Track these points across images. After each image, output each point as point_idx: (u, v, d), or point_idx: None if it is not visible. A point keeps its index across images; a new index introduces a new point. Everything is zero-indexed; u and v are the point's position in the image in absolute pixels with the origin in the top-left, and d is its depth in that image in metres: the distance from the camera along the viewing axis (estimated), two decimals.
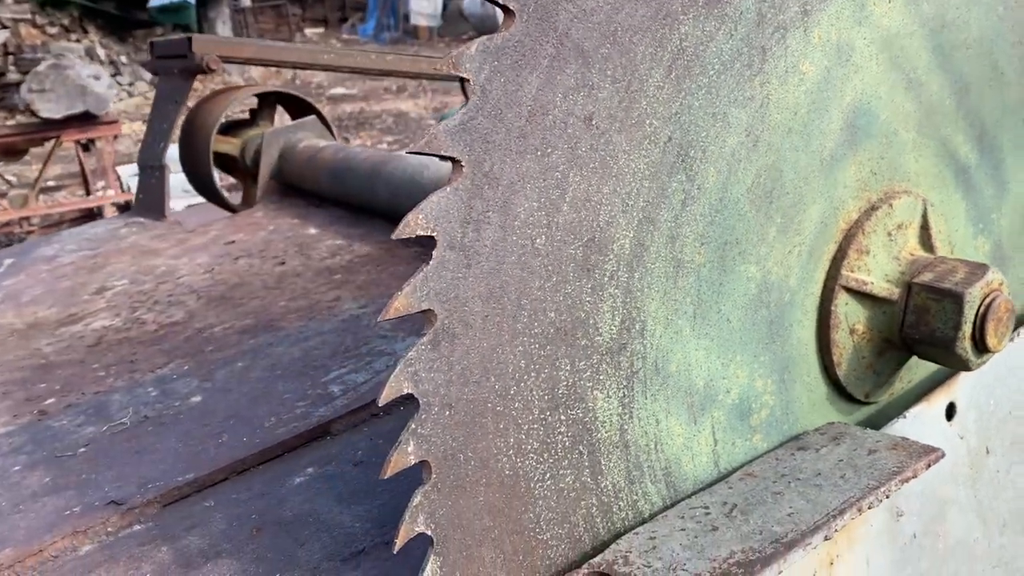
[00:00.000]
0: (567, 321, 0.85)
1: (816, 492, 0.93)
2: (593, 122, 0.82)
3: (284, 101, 2.89)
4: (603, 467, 0.91)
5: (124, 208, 8.68)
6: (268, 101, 2.88)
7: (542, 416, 0.85)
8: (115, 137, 8.82)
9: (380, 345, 1.49)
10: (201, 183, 2.75)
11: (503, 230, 0.79)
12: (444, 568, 0.81)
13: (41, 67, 8.14)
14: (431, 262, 0.76)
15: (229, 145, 2.78)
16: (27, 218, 8.42)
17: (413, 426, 0.78)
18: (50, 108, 7.86)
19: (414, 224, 0.74)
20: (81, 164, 8.52)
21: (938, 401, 1.14)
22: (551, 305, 0.84)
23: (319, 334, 1.58)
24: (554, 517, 0.88)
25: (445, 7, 19.63)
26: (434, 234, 0.75)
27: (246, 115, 2.92)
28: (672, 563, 0.86)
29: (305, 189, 2.46)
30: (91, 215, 8.58)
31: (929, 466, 0.95)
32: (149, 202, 2.67)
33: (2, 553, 1.06)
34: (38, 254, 2.44)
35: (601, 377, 0.89)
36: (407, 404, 1.29)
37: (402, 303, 0.75)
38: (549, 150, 0.80)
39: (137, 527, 1.10)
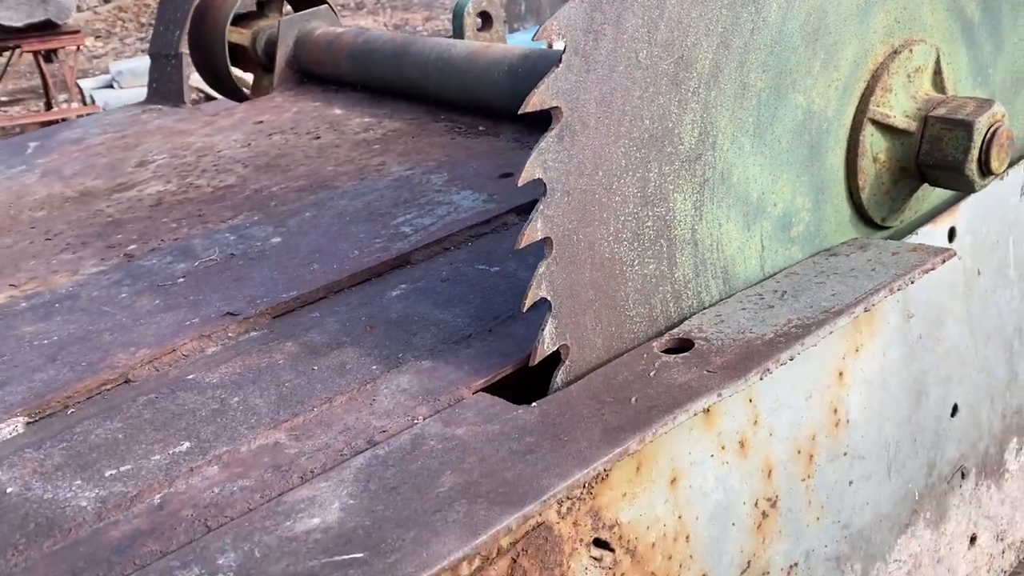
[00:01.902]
0: (659, 129, 1.01)
1: (853, 280, 1.11)
2: None
3: None
4: (677, 260, 1.09)
5: None
6: None
7: (635, 211, 1.02)
8: (77, 48, 8.62)
9: (437, 197, 1.64)
10: (215, 73, 2.82)
11: (615, 42, 0.94)
12: (557, 328, 0.99)
13: None
14: (560, 64, 0.91)
15: (240, 35, 2.84)
16: None
17: (541, 207, 0.94)
18: (9, 16, 7.65)
19: (551, 29, 0.89)
20: (43, 76, 8.34)
21: (943, 224, 1.33)
22: (647, 113, 0.99)
23: (375, 190, 1.72)
24: (639, 297, 1.06)
25: None
26: (564, 39, 0.90)
27: (252, 7, 2.97)
28: (740, 329, 1.04)
29: (323, 74, 2.55)
30: None
31: (944, 261, 1.14)
32: (164, 90, 2.74)
33: (139, 353, 1.21)
34: (63, 137, 2.51)
35: (680, 181, 1.06)
36: (477, 240, 1.45)
37: (538, 99, 0.90)
38: None
39: (254, 333, 1.25)
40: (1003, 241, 1.46)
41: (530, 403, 0.96)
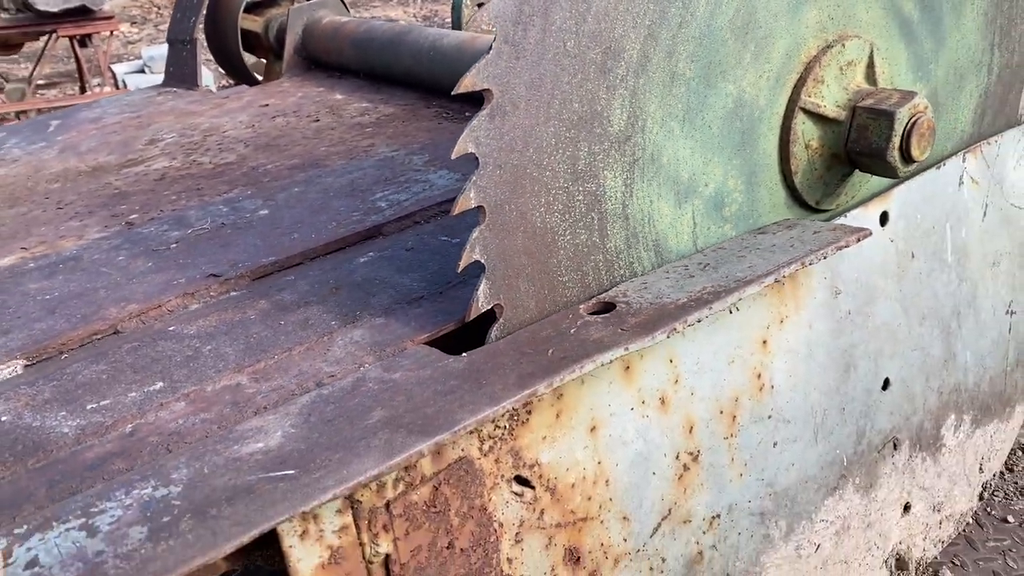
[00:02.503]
0: (587, 112, 1.12)
1: (770, 254, 1.22)
2: None
3: None
4: (608, 232, 1.19)
5: None
6: None
7: (565, 185, 1.13)
8: (111, 33, 8.84)
9: (416, 176, 1.76)
10: (228, 59, 2.96)
11: (543, 32, 1.05)
12: (491, 289, 1.10)
13: None
14: (490, 52, 1.02)
15: (253, 23, 2.98)
16: (25, 112, 8.50)
17: (474, 179, 1.05)
18: (47, 1, 7.87)
19: (480, 21, 1.00)
20: (78, 60, 8.57)
21: (874, 208, 1.43)
22: (576, 97, 1.10)
23: (361, 169, 1.84)
24: (571, 265, 1.17)
25: None
26: (493, 29, 1.01)
27: None
28: (659, 295, 1.15)
29: (328, 62, 2.68)
30: None
31: (860, 240, 1.24)
32: (180, 74, 2.88)
33: (128, 307, 1.34)
34: (82, 116, 2.66)
35: (610, 160, 1.16)
36: (446, 216, 1.56)
37: (469, 81, 1.01)
38: None
39: (234, 293, 1.38)
40: (940, 227, 1.54)
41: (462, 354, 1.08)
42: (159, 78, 9.22)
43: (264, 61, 3.12)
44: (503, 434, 1.04)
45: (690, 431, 1.23)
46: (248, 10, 2.98)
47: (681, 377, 1.20)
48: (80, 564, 0.80)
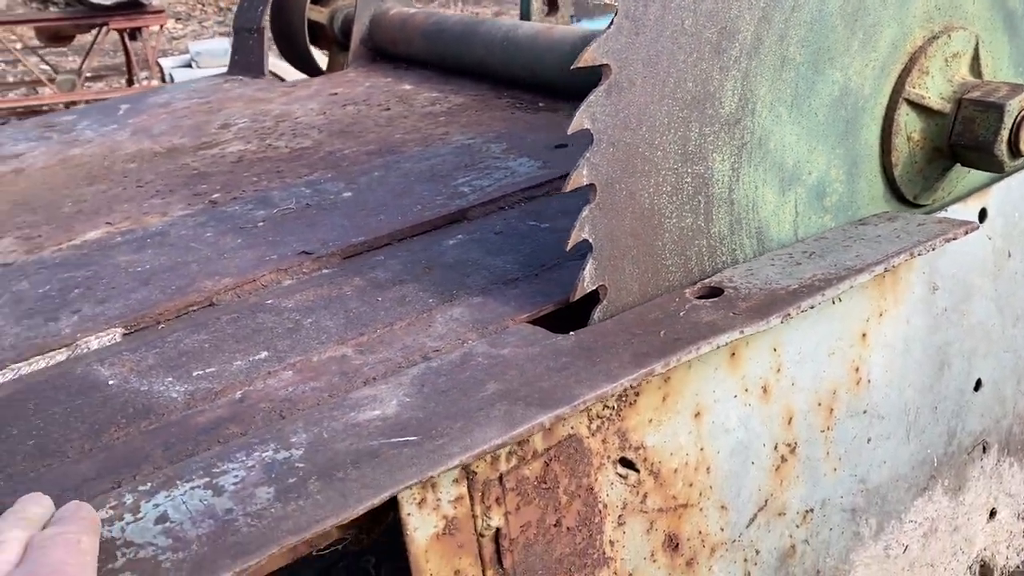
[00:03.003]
0: (700, 92, 1.11)
1: (877, 244, 1.20)
2: None
3: None
4: (714, 217, 1.18)
5: None
6: None
7: (675, 166, 1.12)
8: (160, 28, 8.97)
9: (496, 163, 1.75)
10: (294, 49, 2.98)
11: (663, 8, 1.04)
12: (597, 270, 1.09)
13: None
14: (611, 27, 1.01)
15: (318, 14, 3.00)
16: (75, 103, 8.64)
17: (588, 155, 1.04)
18: None
19: None
20: (127, 53, 8.70)
21: (973, 204, 1.40)
22: (690, 76, 1.09)
23: (439, 155, 1.84)
24: (675, 248, 1.15)
25: None
26: (618, 4, 1.00)
27: None
28: (767, 281, 1.13)
29: (395, 52, 2.69)
30: None
31: (967, 232, 1.22)
32: (245, 63, 2.90)
33: (223, 281, 1.35)
34: (151, 101, 2.69)
35: (720, 143, 1.15)
36: (530, 202, 1.55)
37: (589, 55, 1.00)
38: None
39: (326, 270, 1.38)
40: None
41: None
42: (206, 72, 9.44)
43: (326, 52, 3.14)
44: (611, 414, 1.02)
45: (789, 422, 1.21)
46: (314, 1, 3.00)
47: (783, 366, 1.18)
48: (211, 521, 0.80)
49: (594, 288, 1.10)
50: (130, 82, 9.33)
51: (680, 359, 0.98)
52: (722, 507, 1.17)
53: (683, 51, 1.07)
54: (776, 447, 1.21)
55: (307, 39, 2.92)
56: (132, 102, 2.74)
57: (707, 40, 1.09)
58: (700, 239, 1.18)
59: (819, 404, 1.25)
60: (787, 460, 1.23)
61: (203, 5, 16.90)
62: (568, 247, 1.06)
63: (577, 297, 1.09)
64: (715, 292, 1.13)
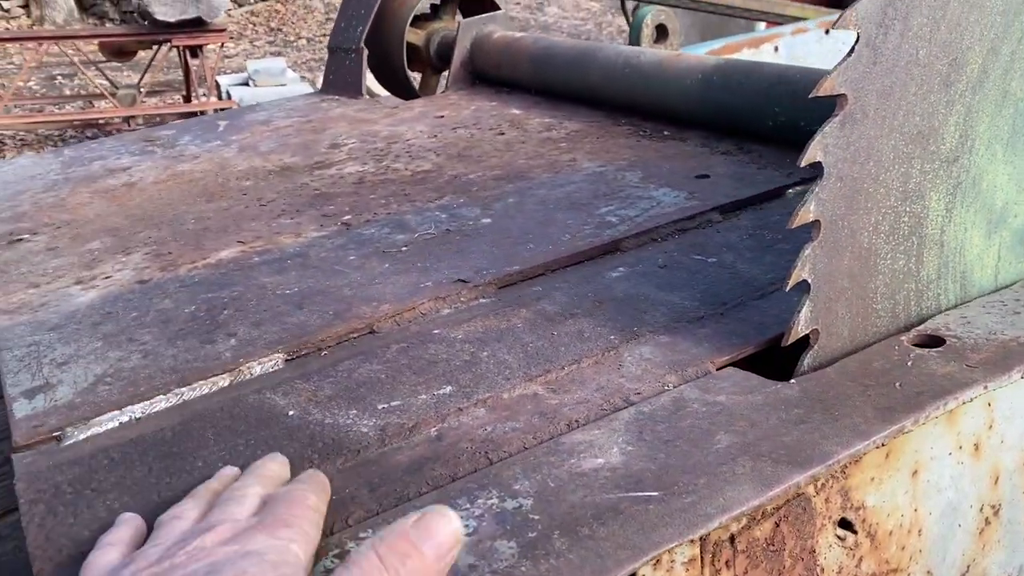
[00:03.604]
0: (926, 127, 1.04)
1: None
2: None
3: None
4: (924, 259, 1.10)
5: None
6: None
7: (895, 204, 1.05)
8: (221, 45, 9.08)
9: (636, 192, 1.69)
10: (390, 70, 2.96)
11: (901, 37, 0.97)
12: (812, 312, 1.02)
13: None
14: (851, 54, 0.95)
15: (415, 36, 2.98)
16: (133, 117, 8.75)
17: (816, 190, 0.97)
18: (164, 11, 8.12)
19: (849, 19, 0.93)
20: (187, 69, 8.81)
21: None
22: (918, 110, 1.02)
23: (571, 183, 1.78)
24: (886, 292, 1.08)
25: None
26: (858, 31, 0.94)
27: (427, 9, 3.11)
28: (990, 331, 1.05)
29: (499, 76, 2.65)
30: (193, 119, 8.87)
31: None
32: (342, 82, 2.88)
33: (381, 308, 1.29)
34: (250, 118, 2.67)
35: (938, 181, 1.08)
36: (684, 234, 1.48)
37: (829, 84, 0.94)
38: None
39: (483, 300, 1.32)
40: None
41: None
42: (263, 91, 9.48)
43: (419, 74, 3.11)
44: (837, 472, 0.95)
45: (995, 482, 1.13)
46: (411, 23, 2.98)
47: (995, 423, 1.10)
48: None
49: (807, 332, 1.02)
50: (187, 98, 9.45)
51: (928, 415, 0.90)
52: (928, 572, 1.08)
53: (915, 83, 1.01)
54: (981, 508, 1.12)
55: (404, 61, 2.89)
56: (231, 118, 2.72)
57: (938, 72, 1.02)
58: (909, 282, 1.10)
59: None
60: (990, 523, 1.14)
61: (253, 25, 17.15)
62: (787, 287, 0.99)
63: (790, 341, 1.02)
64: (936, 341, 1.05)
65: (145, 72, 9.17)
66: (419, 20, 3.01)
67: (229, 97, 9.20)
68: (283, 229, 1.68)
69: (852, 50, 0.95)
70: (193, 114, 8.81)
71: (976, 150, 1.10)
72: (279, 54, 14.69)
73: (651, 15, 2.50)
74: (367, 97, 2.77)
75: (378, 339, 1.23)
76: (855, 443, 0.85)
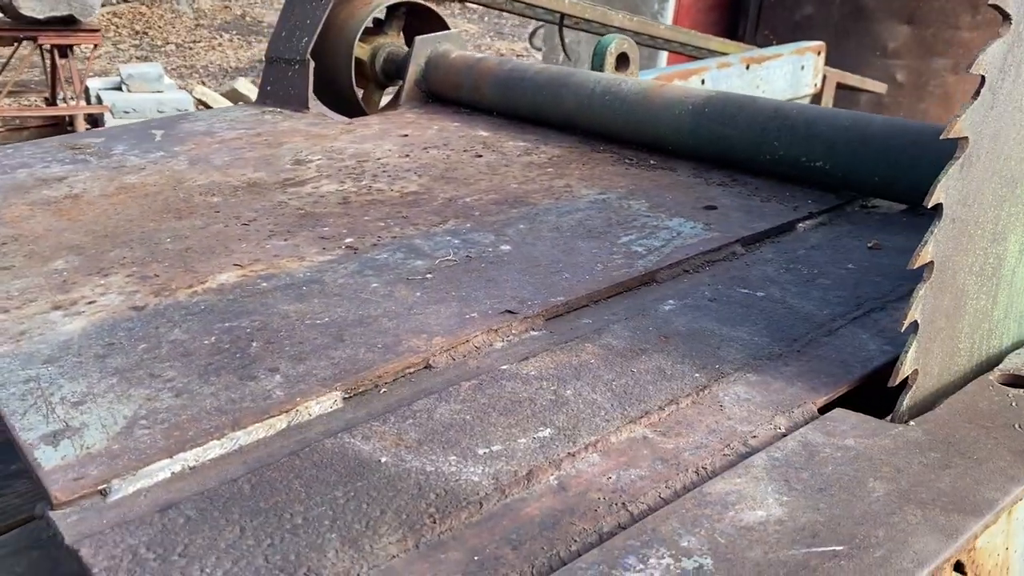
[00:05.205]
0: (1017, 171, 1.06)
1: None
2: None
3: (413, 14, 2.98)
4: (998, 299, 1.12)
5: (94, 121, 8.41)
6: (396, 12, 2.96)
7: (985, 245, 1.06)
8: (94, 47, 8.52)
9: (650, 221, 1.66)
10: (335, 85, 2.83)
11: (1013, 84, 0.99)
12: (916, 352, 1.01)
13: None
14: (977, 99, 0.95)
15: (360, 50, 2.87)
16: None
17: (935, 231, 0.97)
18: (33, 7, 7.54)
19: (981, 64, 0.93)
20: (54, 70, 8.21)
21: None
22: (1016, 155, 1.04)
23: (578, 210, 1.74)
24: (969, 331, 1.09)
25: None
26: (986, 74, 0.94)
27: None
28: None
29: (457, 97, 2.58)
30: (59, 124, 8.28)
31: None
32: (283, 95, 2.73)
33: (434, 340, 1.20)
34: (187, 128, 2.49)
35: (1017, 223, 1.10)
36: (713, 265, 1.47)
37: (958, 128, 0.94)
38: None
39: (535, 332, 1.26)
40: None
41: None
42: (138, 97, 8.97)
43: (361, 89, 3.00)
44: None
45: None
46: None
47: None
48: None
49: (910, 372, 1.02)
50: (51, 101, 8.81)
51: None
52: None
53: (1016, 128, 1.02)
54: None
55: (352, 77, 2.78)
56: (165, 127, 2.53)
57: None
58: (985, 321, 1.12)
59: None
60: None
61: (116, 27, 16.26)
62: (902, 327, 0.98)
63: (897, 382, 1.01)
64: (1020, 381, 1.07)
65: (6, 64, 8.47)
66: (364, 34, 2.90)
67: (100, 102, 8.65)
68: (280, 251, 1.55)
69: (977, 93, 0.95)
70: (60, 119, 8.23)
71: None
72: (147, 58, 13.98)
73: (614, 44, 2.51)
74: (312, 110, 2.63)
75: (437, 375, 1.14)
76: (1012, 488, 0.85)
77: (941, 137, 0.94)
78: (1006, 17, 0.95)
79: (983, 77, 0.95)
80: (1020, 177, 1.07)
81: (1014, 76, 0.99)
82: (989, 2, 0.95)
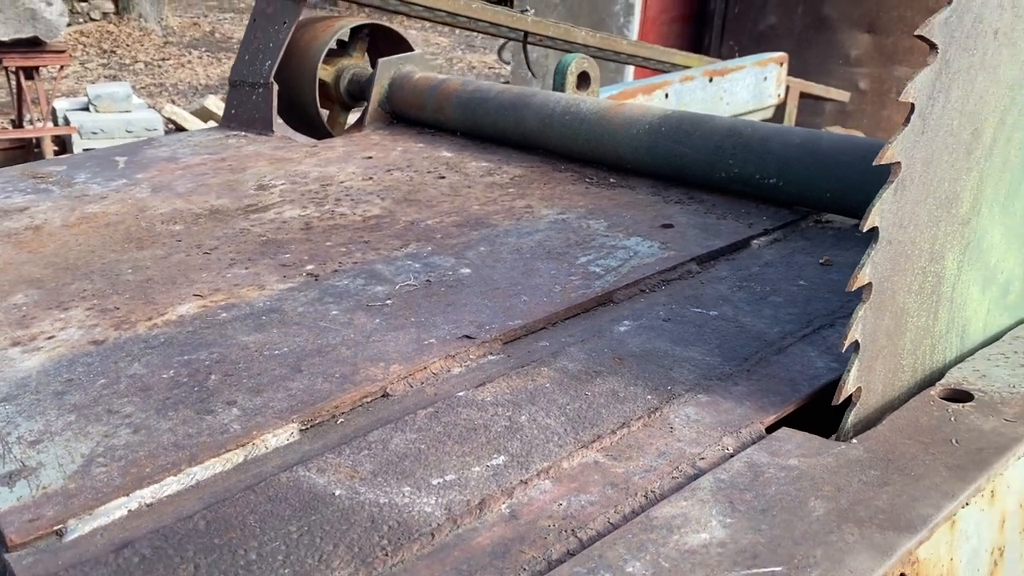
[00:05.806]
0: (950, 192, 1.09)
1: None
2: (997, 36, 1.07)
3: (377, 35, 3.00)
4: (938, 315, 1.16)
5: (62, 142, 8.34)
6: (360, 34, 2.98)
7: (923, 265, 1.09)
8: (61, 68, 8.46)
9: (607, 241, 1.69)
10: (299, 107, 2.84)
11: (943, 109, 1.02)
12: (858, 371, 1.04)
13: None
14: (908, 125, 0.98)
15: (324, 72, 2.88)
16: None
17: (872, 254, 1.00)
18: None
19: (908, 91, 0.96)
20: (20, 92, 8.13)
21: None
22: (947, 176, 1.07)
23: (538, 231, 1.76)
24: (911, 348, 1.12)
25: None
26: (915, 101, 0.97)
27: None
28: (1009, 384, 1.11)
29: (421, 118, 2.60)
30: (25, 147, 8.21)
31: None
32: (247, 118, 2.74)
33: (392, 368, 1.22)
34: (151, 155, 2.49)
35: (954, 242, 1.14)
36: (669, 284, 1.49)
37: (890, 153, 0.97)
38: (974, 54, 1.04)
39: (492, 356, 1.27)
40: None
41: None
42: (106, 117, 8.88)
43: (326, 111, 3.01)
44: None
45: (1001, 525, 1.19)
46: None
47: (1007, 468, 1.16)
48: None
49: (854, 391, 1.04)
50: (17, 124, 8.73)
51: (996, 472, 0.93)
52: None
53: (947, 151, 1.06)
54: (991, 552, 1.18)
55: (316, 99, 2.79)
56: (128, 153, 2.52)
57: (963, 141, 1.08)
58: (927, 338, 1.15)
59: (1020, 505, 1.23)
60: (997, 565, 1.20)
61: (84, 46, 16.15)
62: (843, 348, 1.01)
63: (840, 400, 1.04)
64: (964, 395, 1.10)
65: None
66: (328, 56, 2.92)
67: (67, 123, 8.58)
68: (241, 280, 1.56)
69: (907, 120, 0.98)
70: (27, 141, 8.16)
71: (982, 212, 1.17)
72: (115, 77, 13.88)
73: (575, 62, 2.54)
74: (277, 134, 2.64)
75: (395, 403, 1.15)
76: (946, 504, 0.88)
77: (874, 163, 0.97)
78: (933, 47, 0.99)
79: (913, 104, 0.98)
80: (954, 198, 1.10)
81: (943, 102, 1.02)
82: (915, 33, 0.98)
